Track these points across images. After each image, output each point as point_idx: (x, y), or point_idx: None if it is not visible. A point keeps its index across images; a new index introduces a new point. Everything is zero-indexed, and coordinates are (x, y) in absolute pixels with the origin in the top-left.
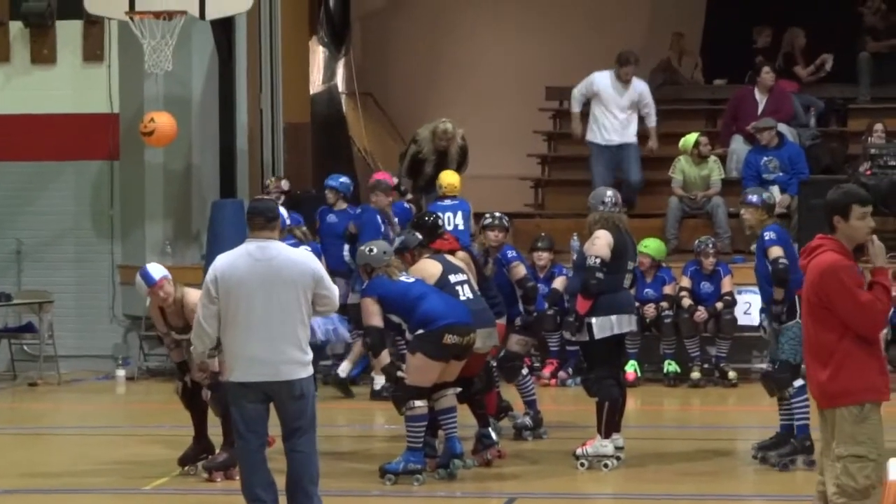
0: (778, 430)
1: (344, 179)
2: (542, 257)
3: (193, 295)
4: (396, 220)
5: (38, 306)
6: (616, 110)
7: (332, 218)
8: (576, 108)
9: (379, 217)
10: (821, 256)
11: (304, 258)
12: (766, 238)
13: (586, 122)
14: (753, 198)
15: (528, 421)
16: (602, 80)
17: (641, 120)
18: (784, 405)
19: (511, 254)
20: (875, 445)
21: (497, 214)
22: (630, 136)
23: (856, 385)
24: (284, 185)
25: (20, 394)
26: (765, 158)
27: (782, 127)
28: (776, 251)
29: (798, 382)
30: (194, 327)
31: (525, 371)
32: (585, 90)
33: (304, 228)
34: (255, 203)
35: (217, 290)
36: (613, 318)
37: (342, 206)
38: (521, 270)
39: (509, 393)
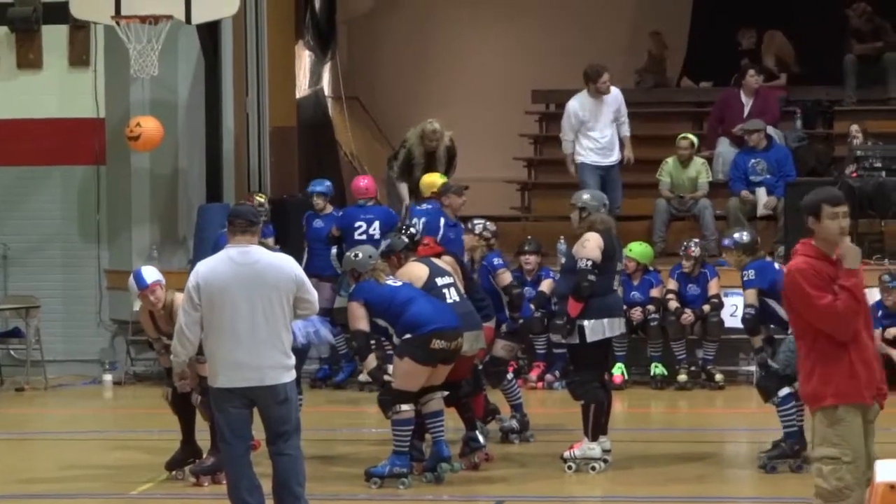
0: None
1: (328, 183)
2: (530, 261)
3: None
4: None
5: (24, 311)
6: (603, 129)
7: (318, 223)
8: (569, 148)
9: (443, 219)
10: (791, 262)
11: (286, 262)
12: (744, 279)
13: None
14: (726, 241)
15: (514, 424)
16: (578, 106)
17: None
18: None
19: (497, 261)
20: (850, 447)
21: (476, 221)
22: (616, 155)
23: (825, 389)
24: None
25: (7, 399)
26: (752, 160)
27: (770, 129)
28: (749, 297)
29: (783, 392)
30: (176, 334)
31: (510, 376)
32: (575, 124)
33: (269, 241)
34: (237, 207)
35: (200, 297)
36: (605, 321)
37: (328, 209)
38: (507, 277)
39: (496, 396)
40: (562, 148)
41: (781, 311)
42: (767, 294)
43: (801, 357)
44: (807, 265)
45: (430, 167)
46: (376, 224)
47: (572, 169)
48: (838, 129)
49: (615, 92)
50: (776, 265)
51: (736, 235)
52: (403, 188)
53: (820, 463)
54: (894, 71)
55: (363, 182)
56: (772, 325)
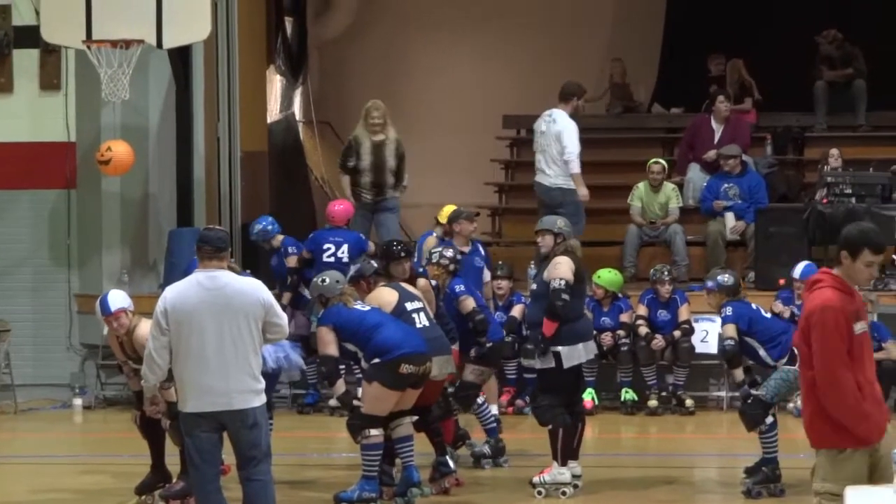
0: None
1: (258, 228)
2: (501, 286)
3: (144, 328)
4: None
5: None
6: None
7: (274, 260)
8: (578, 167)
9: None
10: (817, 292)
11: (253, 287)
12: (723, 314)
13: None
14: (709, 283)
15: (486, 449)
16: (573, 124)
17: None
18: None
19: (459, 288)
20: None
21: (433, 250)
22: None
23: (833, 430)
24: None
25: None
26: (725, 185)
27: (744, 156)
28: (728, 330)
29: (769, 419)
30: (145, 359)
31: (480, 400)
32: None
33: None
34: (206, 232)
35: (168, 322)
36: (580, 346)
37: (277, 241)
38: (469, 304)
39: (468, 421)
40: (574, 167)
41: (762, 350)
42: (746, 333)
43: (808, 388)
44: (839, 303)
45: (378, 158)
46: (345, 247)
47: (585, 191)
48: (809, 155)
49: None
50: (754, 306)
51: (720, 278)
52: (345, 181)
53: (822, 498)
54: (864, 98)
55: (339, 207)
56: (751, 361)
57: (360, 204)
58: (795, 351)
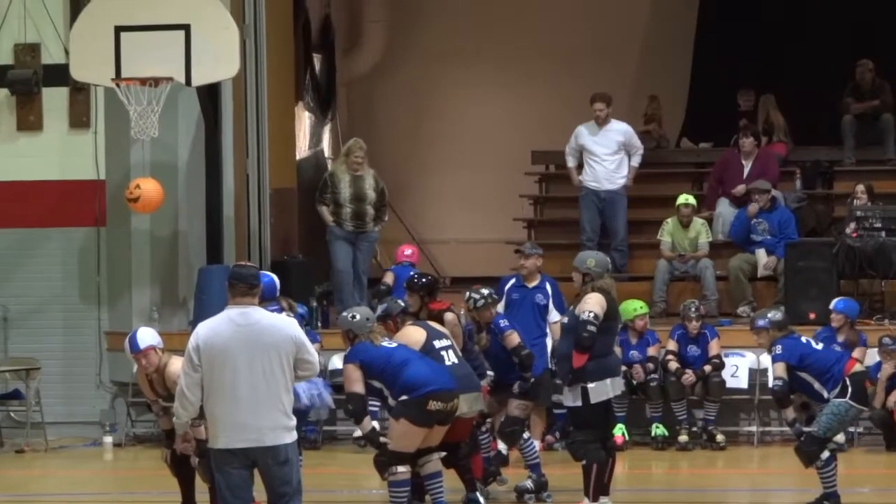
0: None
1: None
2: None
3: (175, 364)
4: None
5: (24, 373)
6: (603, 156)
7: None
8: (570, 163)
9: (513, 280)
10: None
11: (285, 324)
12: (773, 353)
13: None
14: (760, 322)
15: (529, 484)
16: (583, 131)
17: None
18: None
19: (503, 323)
20: None
21: (484, 292)
22: (618, 182)
23: None
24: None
25: (7, 461)
26: (755, 220)
27: (773, 191)
28: (777, 369)
29: (825, 454)
30: (177, 396)
31: (526, 435)
32: (574, 144)
33: (290, 300)
34: (237, 269)
35: (199, 358)
36: (608, 381)
37: None
38: (514, 339)
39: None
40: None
41: (816, 384)
42: (797, 368)
43: None
44: None
45: (358, 190)
46: None
47: (575, 180)
48: (838, 189)
49: (621, 124)
50: (803, 339)
51: (770, 315)
52: (324, 211)
53: None
54: (892, 131)
55: (408, 251)
56: (804, 396)
57: (343, 232)
58: (847, 382)
